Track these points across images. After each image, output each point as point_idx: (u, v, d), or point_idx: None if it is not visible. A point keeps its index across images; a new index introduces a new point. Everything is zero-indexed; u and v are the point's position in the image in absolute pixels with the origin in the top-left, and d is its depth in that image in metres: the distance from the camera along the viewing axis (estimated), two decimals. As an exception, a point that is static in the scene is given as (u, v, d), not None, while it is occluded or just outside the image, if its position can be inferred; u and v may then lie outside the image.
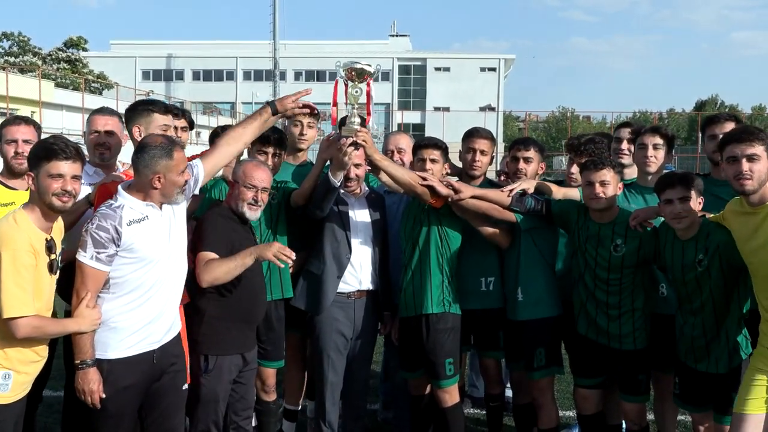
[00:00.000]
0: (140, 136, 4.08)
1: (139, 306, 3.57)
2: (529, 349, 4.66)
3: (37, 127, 4.30)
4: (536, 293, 4.63)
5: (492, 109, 68.17)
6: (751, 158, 3.64)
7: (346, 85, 4.33)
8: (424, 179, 4.45)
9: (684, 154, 66.96)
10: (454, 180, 4.63)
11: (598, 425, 4.67)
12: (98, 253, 3.41)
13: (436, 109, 68.18)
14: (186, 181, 3.69)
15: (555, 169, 44.17)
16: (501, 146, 67.88)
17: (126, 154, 4.67)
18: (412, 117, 69.23)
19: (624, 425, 4.78)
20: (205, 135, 55.70)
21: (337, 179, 4.37)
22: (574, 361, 4.70)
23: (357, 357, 4.82)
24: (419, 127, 68.87)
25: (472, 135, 4.82)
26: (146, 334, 3.62)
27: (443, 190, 4.43)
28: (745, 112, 79.68)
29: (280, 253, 3.95)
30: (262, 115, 4.13)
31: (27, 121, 4.31)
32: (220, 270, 3.96)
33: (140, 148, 3.62)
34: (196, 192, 4.01)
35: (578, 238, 4.46)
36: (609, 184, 4.27)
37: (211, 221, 4.11)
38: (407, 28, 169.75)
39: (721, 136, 4.44)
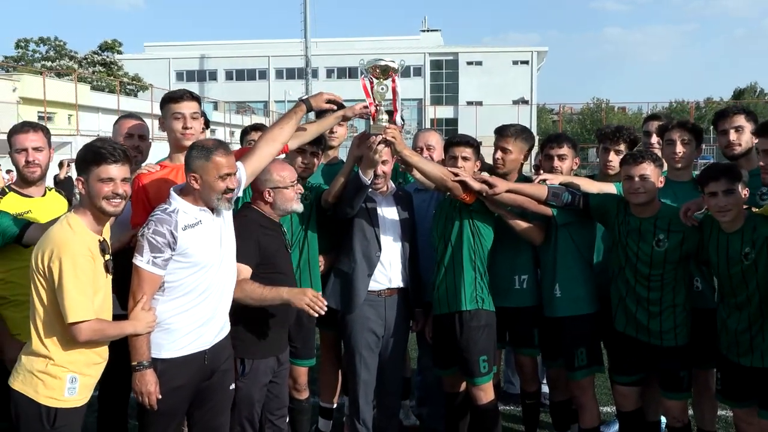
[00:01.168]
0: (162, 129, 4.18)
1: (192, 308, 3.59)
2: (569, 347, 4.60)
3: (47, 132, 4.24)
4: (574, 289, 4.57)
5: (525, 102, 67.62)
6: None
7: (372, 83, 4.32)
8: (456, 174, 4.42)
9: (723, 143, 66.01)
10: (486, 175, 4.59)
11: (638, 421, 4.60)
12: (155, 257, 3.43)
13: (469, 103, 67.65)
14: (228, 188, 3.64)
15: (591, 161, 43.75)
16: (535, 140, 67.36)
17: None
18: (445, 112, 68.79)
19: (663, 421, 4.71)
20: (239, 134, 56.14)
21: (367, 177, 4.36)
22: (612, 359, 4.62)
23: (389, 355, 4.81)
24: (452, 122, 68.59)
25: (497, 132, 4.76)
26: (198, 335, 3.64)
27: (476, 185, 4.39)
28: (786, 100, 78.20)
29: (314, 302, 3.87)
30: (297, 114, 4.13)
31: (35, 127, 4.21)
32: (251, 295, 3.92)
33: (188, 149, 3.68)
34: (239, 194, 3.97)
35: (618, 233, 4.37)
36: (649, 177, 4.19)
37: (244, 227, 4.07)
38: (438, 22, 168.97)
39: (731, 131, 4.45)
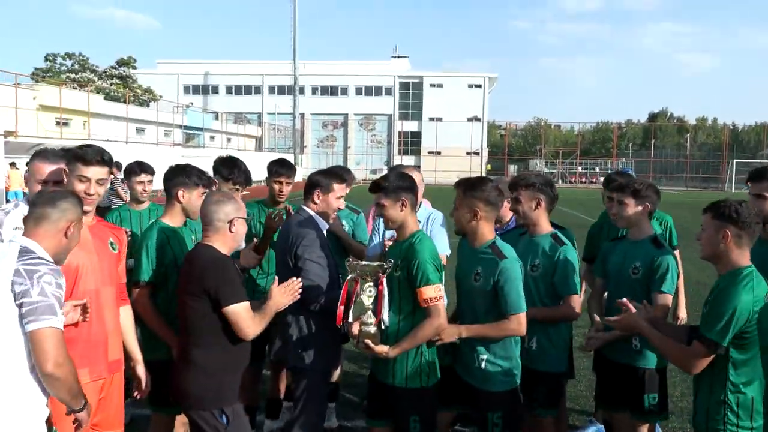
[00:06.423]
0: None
1: None
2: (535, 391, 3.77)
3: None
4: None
5: (478, 119, 67.63)
6: None
7: (357, 282, 3.33)
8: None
9: (639, 158, 66.42)
10: (454, 333, 3.44)
11: None
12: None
13: (431, 119, 67.68)
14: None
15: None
16: (485, 151, 67.22)
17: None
18: (411, 126, 68.76)
19: None
20: (235, 141, 54.70)
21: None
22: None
23: None
24: (416, 135, 68.33)
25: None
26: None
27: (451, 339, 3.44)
28: (691, 123, 78.64)
29: (292, 290, 3.28)
30: None
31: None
32: (262, 324, 3.22)
33: None
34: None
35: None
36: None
37: (225, 266, 3.21)
38: (407, 50, 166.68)
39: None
